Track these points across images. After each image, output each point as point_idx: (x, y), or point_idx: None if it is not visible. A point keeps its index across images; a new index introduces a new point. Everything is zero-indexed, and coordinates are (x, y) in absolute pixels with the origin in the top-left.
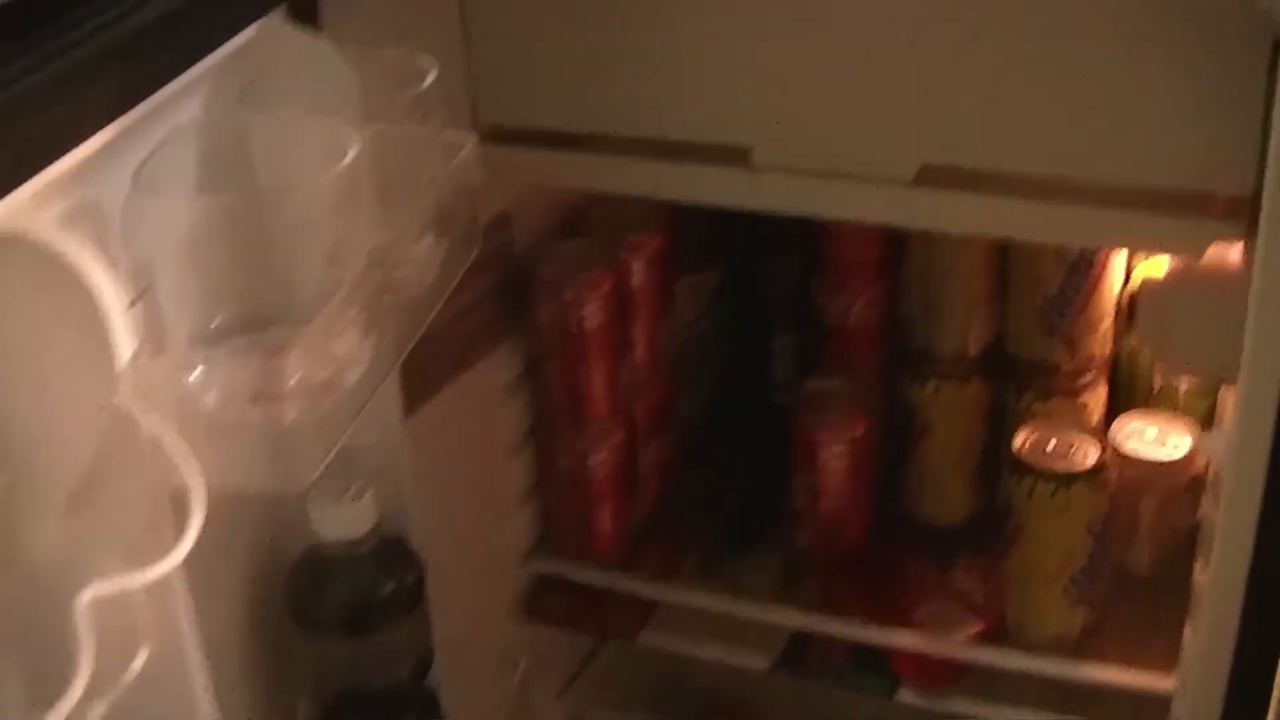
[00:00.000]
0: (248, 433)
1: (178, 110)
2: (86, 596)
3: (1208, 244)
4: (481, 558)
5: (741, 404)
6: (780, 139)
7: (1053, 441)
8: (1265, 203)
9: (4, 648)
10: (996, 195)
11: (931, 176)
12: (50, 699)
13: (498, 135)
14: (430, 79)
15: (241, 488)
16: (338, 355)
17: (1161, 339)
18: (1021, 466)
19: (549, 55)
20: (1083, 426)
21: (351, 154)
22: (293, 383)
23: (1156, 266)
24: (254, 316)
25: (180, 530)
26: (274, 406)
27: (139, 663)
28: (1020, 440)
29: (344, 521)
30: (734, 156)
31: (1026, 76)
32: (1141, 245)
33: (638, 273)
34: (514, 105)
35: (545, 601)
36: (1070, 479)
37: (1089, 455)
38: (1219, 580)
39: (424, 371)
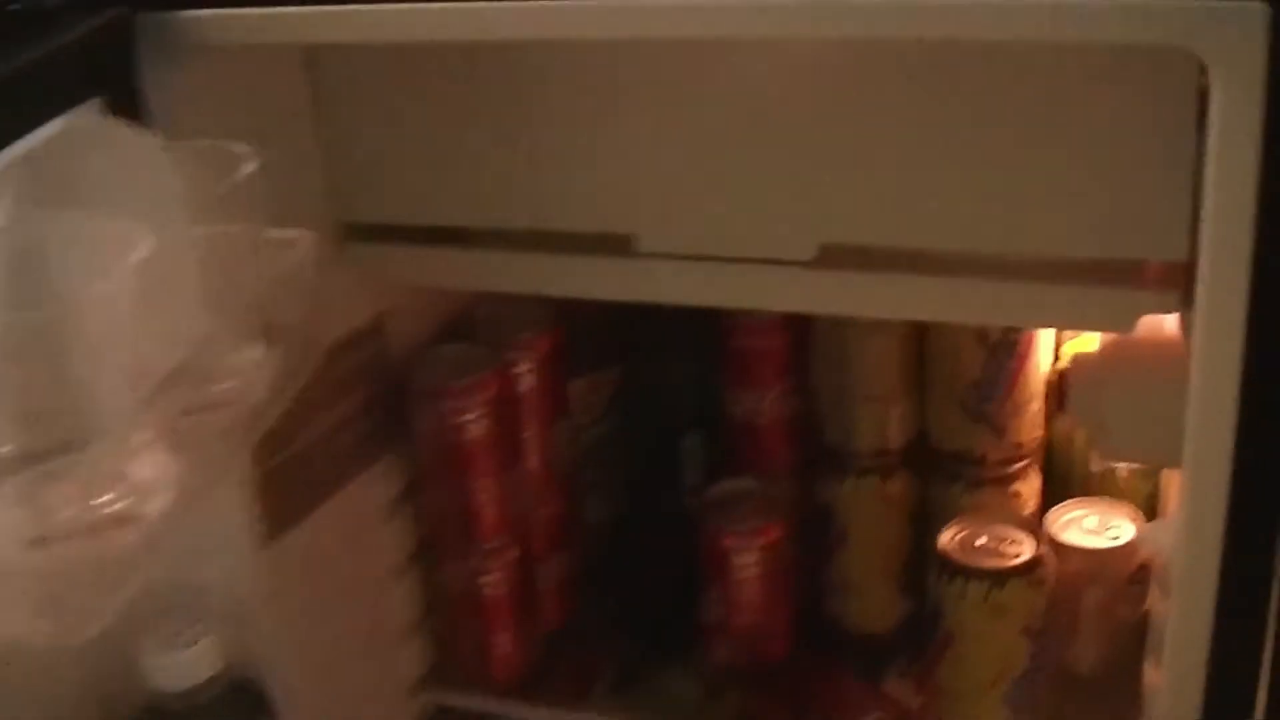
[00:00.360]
0: (22, 577)
1: None
2: None
3: (1137, 318)
4: (367, 693)
5: (650, 511)
6: (665, 224)
7: (983, 537)
8: (1202, 267)
9: None
10: (905, 274)
11: (832, 257)
12: None
13: (360, 233)
14: (247, 169)
15: (14, 639)
16: (136, 483)
17: (1096, 423)
18: (950, 566)
19: (410, 145)
20: (1015, 519)
21: (139, 254)
22: (66, 517)
23: (1088, 342)
24: (45, 445)
25: None
26: (53, 547)
27: None
28: (947, 537)
29: (179, 669)
30: (617, 245)
31: (932, 147)
32: (1065, 323)
33: (526, 376)
34: (375, 199)
35: None
36: (1004, 577)
37: (1023, 549)
38: (1174, 683)
39: (289, 494)
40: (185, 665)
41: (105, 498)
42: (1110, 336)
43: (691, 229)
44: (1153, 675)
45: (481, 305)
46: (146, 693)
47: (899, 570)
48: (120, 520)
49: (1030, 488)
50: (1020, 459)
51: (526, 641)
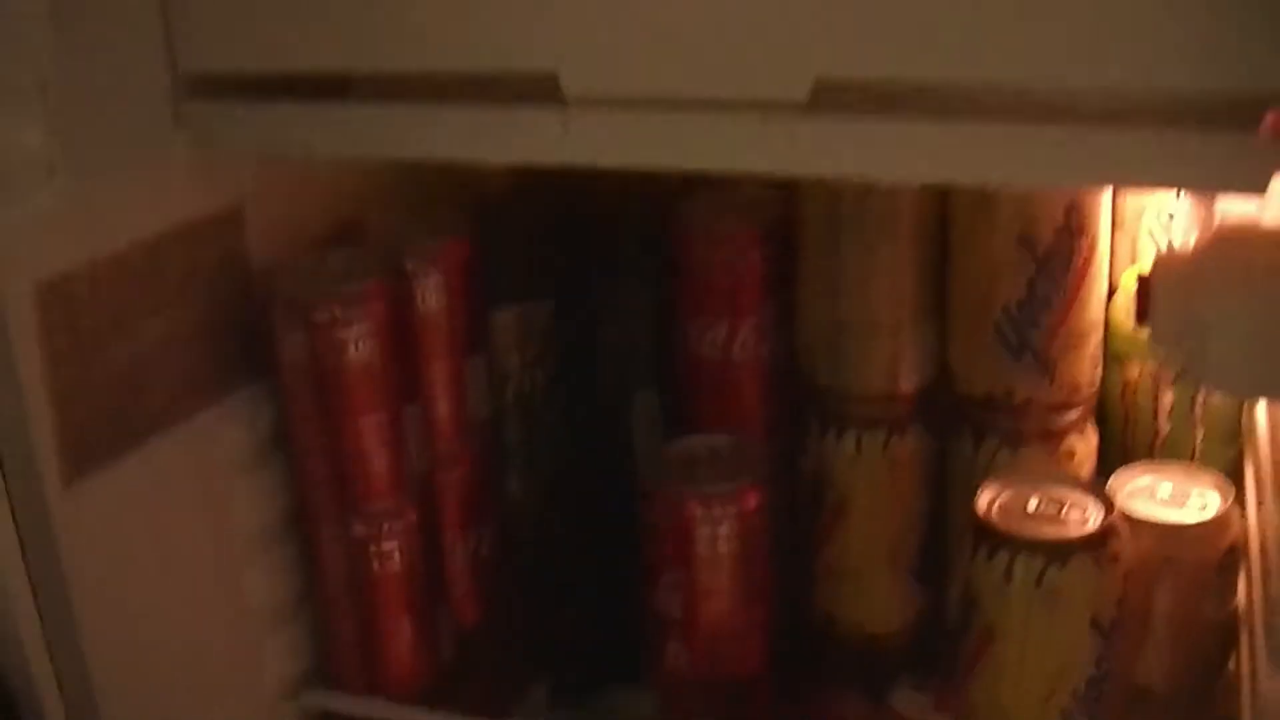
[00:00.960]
0: None
1: None
2: None
3: (1269, 176)
4: (221, 697)
5: (593, 480)
6: (600, 56)
7: (1034, 500)
8: None
9: None
10: (932, 119)
11: (831, 97)
12: None
13: (206, 86)
14: None
15: None
16: None
17: (1187, 345)
18: (990, 538)
19: None
20: (1075, 478)
21: None
22: None
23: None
24: None
25: None
26: None
27: None
28: (986, 501)
29: None
30: (537, 88)
31: None
32: (1163, 179)
33: (430, 293)
34: (223, 42)
35: None
36: (1064, 551)
37: (1089, 516)
38: None
39: (97, 425)
40: None
41: None
42: (1207, 229)
43: (636, 63)
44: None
45: (375, 208)
46: None
47: (911, 554)
48: None
49: (1087, 446)
50: (1075, 405)
51: (431, 635)
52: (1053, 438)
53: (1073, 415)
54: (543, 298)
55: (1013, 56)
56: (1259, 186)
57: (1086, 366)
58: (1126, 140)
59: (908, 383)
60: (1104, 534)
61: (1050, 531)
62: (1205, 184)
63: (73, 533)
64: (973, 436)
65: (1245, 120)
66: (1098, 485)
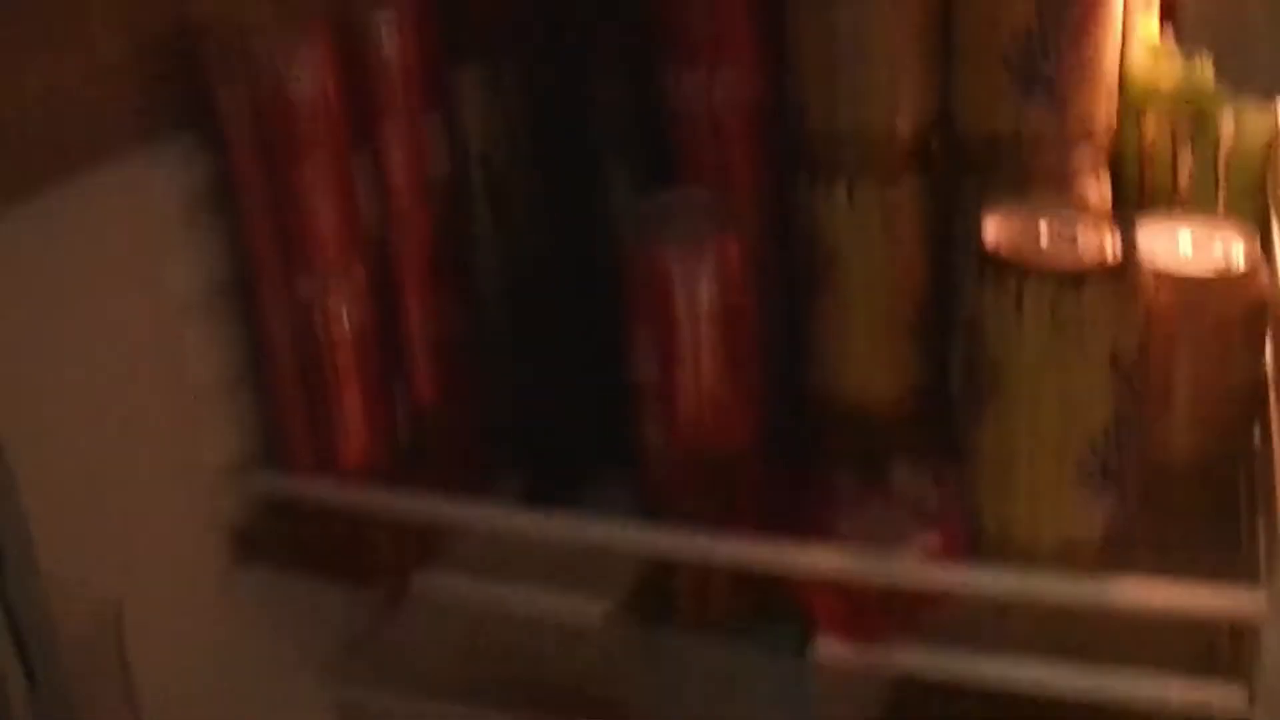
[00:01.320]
0: None
1: None
2: None
3: None
4: (161, 477)
5: (566, 247)
6: None
7: (1044, 228)
8: None
9: None
10: None
11: None
12: None
13: None
14: None
15: None
16: None
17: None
18: (998, 265)
19: None
20: (1088, 207)
21: None
22: None
23: None
24: None
25: None
26: None
27: None
28: (993, 229)
29: None
30: None
31: None
32: None
33: (386, 38)
34: None
35: (270, 536)
36: (1081, 278)
37: (1104, 247)
38: None
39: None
40: None
41: None
42: None
43: None
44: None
45: None
46: None
47: (910, 318)
48: None
49: (1101, 191)
50: (1086, 143)
51: (388, 411)
52: (1064, 180)
53: (1085, 155)
54: (508, 54)
55: None
56: None
57: (1102, 100)
58: None
59: (905, 124)
60: (1124, 263)
61: (1065, 259)
62: None
63: None
64: (978, 181)
65: None
66: (1116, 216)
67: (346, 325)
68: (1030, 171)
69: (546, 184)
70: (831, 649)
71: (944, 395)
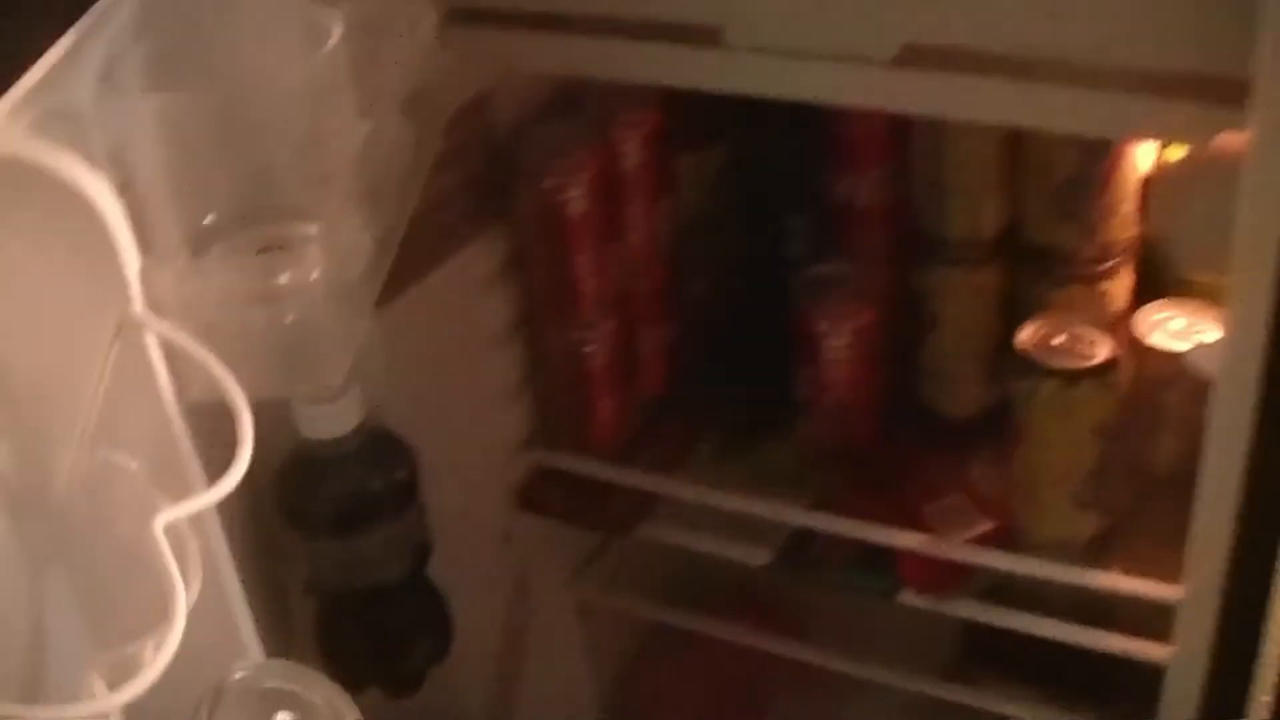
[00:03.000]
0: (255, 337)
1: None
2: (160, 523)
3: (1215, 132)
4: (475, 451)
5: (753, 287)
6: (752, 17)
7: (1061, 336)
8: (1257, 81)
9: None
10: (983, 78)
11: (914, 57)
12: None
13: (462, 16)
14: None
15: (260, 394)
16: (339, 249)
17: (1173, 228)
18: (1024, 364)
19: None
20: (1097, 319)
21: (335, 36)
22: (286, 280)
23: (1178, 150)
24: (243, 213)
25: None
26: (273, 307)
27: (195, 590)
28: (1026, 335)
29: (330, 419)
30: (705, 36)
31: None
32: (1142, 133)
33: (631, 153)
34: None
35: (542, 494)
36: (1075, 377)
37: (1099, 350)
38: (1211, 487)
39: (398, 262)
40: (333, 416)
41: (316, 262)
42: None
43: (777, 23)
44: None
45: (586, 84)
46: (296, 441)
47: (987, 358)
48: (334, 281)
49: (1121, 287)
50: (1110, 258)
51: (626, 407)
52: (1093, 280)
53: (1109, 264)
54: (718, 143)
55: (1041, 36)
56: (1207, 139)
57: (1120, 227)
58: (1117, 101)
59: (986, 231)
60: (1107, 365)
61: (1067, 361)
62: (1168, 136)
63: (387, 339)
64: (1034, 275)
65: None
66: (1113, 323)
67: (601, 354)
68: (1069, 273)
69: (745, 236)
70: (910, 597)
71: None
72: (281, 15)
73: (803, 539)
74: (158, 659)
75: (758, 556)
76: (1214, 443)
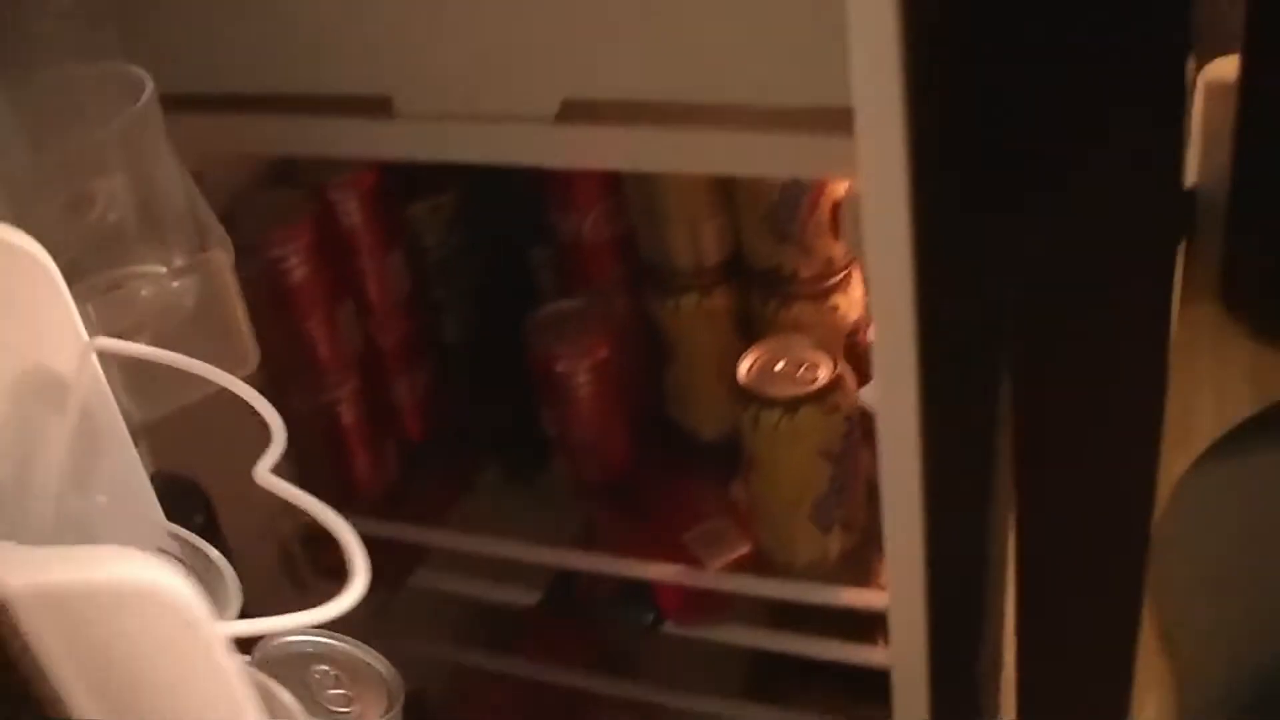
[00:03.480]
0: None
1: None
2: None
3: (836, 164)
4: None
5: (505, 325)
6: (419, 85)
7: (781, 362)
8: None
9: None
10: (637, 126)
11: (573, 112)
12: None
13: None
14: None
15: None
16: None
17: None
18: (745, 394)
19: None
20: (827, 336)
21: None
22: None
23: None
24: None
25: None
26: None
27: None
28: (744, 367)
29: None
30: (377, 106)
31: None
32: (790, 170)
33: (351, 211)
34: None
35: (312, 553)
36: (796, 404)
37: (820, 373)
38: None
39: None
40: None
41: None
42: None
43: (445, 90)
44: None
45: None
46: None
47: (729, 376)
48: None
49: (850, 300)
50: (833, 274)
51: (384, 460)
52: (820, 296)
53: (834, 280)
54: (449, 189)
55: (687, 82)
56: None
57: (840, 243)
58: (763, 139)
59: (711, 257)
60: (828, 389)
61: (787, 389)
62: (813, 170)
63: None
64: (762, 297)
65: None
66: (837, 344)
67: (349, 413)
68: (795, 291)
69: (492, 274)
70: (672, 627)
71: None
72: None
73: (568, 576)
74: None
75: (527, 597)
76: (886, 468)
